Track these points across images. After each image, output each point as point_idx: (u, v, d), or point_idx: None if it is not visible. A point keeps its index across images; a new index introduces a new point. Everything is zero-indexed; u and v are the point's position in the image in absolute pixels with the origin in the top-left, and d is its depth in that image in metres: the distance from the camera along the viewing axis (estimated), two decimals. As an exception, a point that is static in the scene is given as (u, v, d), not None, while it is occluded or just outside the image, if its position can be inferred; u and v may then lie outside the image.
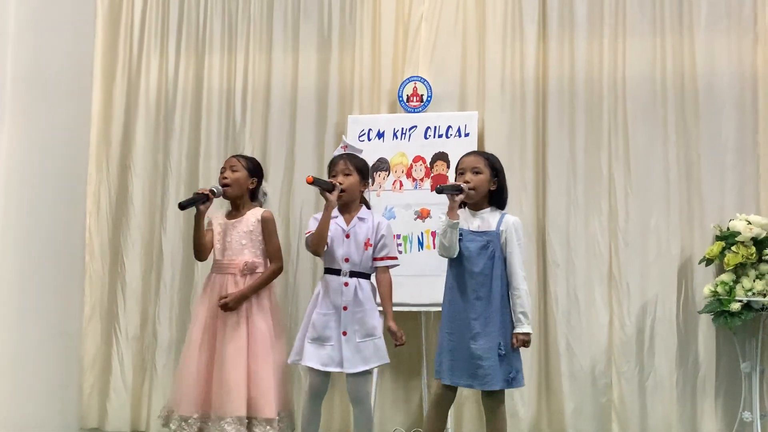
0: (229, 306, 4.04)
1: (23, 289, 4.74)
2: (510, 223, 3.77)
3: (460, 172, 3.81)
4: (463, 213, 3.75)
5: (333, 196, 3.86)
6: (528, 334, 3.72)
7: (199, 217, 4.11)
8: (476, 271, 3.69)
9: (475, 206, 3.79)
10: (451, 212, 3.66)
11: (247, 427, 3.98)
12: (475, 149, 4.43)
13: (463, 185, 3.69)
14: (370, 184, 4.26)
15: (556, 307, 4.64)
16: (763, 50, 4.63)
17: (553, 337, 4.64)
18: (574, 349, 4.61)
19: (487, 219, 3.78)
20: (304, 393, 4.03)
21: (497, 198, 3.84)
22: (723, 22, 4.68)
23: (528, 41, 4.84)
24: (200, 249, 4.17)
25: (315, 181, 3.83)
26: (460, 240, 3.69)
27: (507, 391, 3.75)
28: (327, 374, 3.93)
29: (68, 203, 5.09)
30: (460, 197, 3.67)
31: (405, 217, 4.66)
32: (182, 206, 4.04)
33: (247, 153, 4.90)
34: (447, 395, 3.78)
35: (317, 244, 3.89)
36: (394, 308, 4.04)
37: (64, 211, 5.07)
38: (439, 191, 3.68)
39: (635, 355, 4.57)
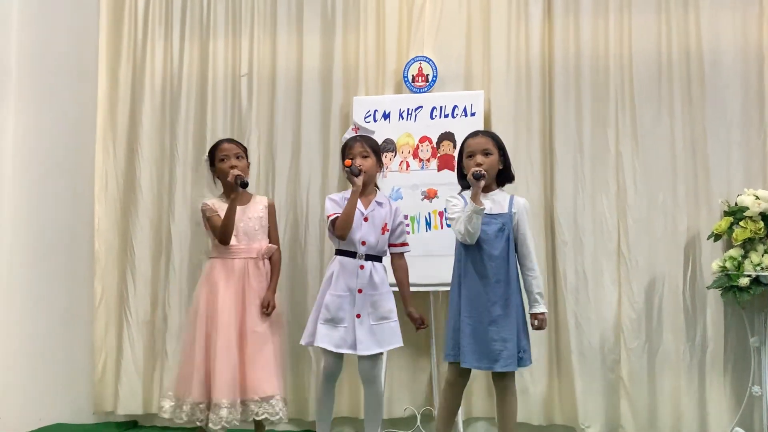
0: (273, 306, 4.16)
1: (33, 275, 4.77)
2: (521, 204, 3.79)
3: (468, 154, 3.80)
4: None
5: (359, 180, 3.90)
6: (545, 313, 3.77)
7: (236, 200, 4.14)
8: (495, 254, 3.69)
9: (485, 188, 3.77)
10: (475, 198, 3.64)
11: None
12: (480, 129, 4.42)
13: (482, 170, 3.68)
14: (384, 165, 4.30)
15: (565, 284, 4.64)
16: (768, 24, 4.61)
17: (562, 314, 4.64)
18: (583, 326, 4.62)
19: (498, 200, 3.79)
20: (319, 374, 4.06)
21: (504, 177, 3.85)
22: (728, -4, 4.67)
23: (533, 19, 4.82)
24: (231, 232, 4.16)
25: (351, 166, 3.90)
26: None
27: (519, 369, 3.76)
28: (340, 356, 3.95)
29: (76, 188, 5.10)
30: (482, 182, 3.66)
31: (412, 197, 4.66)
32: (245, 184, 4.12)
33: (254, 137, 4.97)
34: (464, 377, 3.82)
35: (344, 228, 3.91)
36: (403, 289, 4.09)
37: (72, 196, 5.08)
38: (477, 177, 3.63)
39: (644, 332, 4.58)
